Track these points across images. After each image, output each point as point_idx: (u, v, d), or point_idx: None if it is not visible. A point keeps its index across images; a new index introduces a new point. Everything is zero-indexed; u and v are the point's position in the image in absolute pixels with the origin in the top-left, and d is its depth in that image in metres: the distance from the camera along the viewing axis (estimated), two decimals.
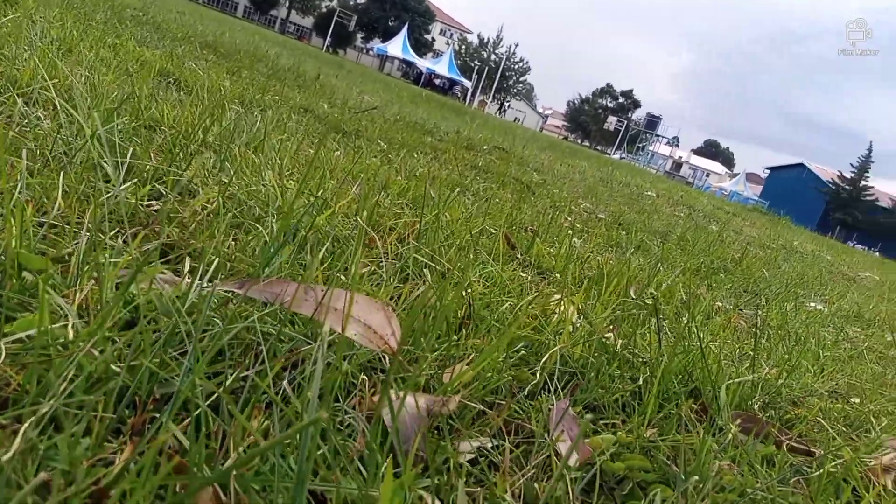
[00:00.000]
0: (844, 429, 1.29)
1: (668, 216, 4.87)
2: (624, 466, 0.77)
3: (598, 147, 69.11)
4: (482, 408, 0.82)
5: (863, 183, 56.75)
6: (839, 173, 58.65)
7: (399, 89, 12.38)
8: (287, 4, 65.87)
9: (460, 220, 2.04)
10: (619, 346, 1.09)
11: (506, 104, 49.68)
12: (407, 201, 2.18)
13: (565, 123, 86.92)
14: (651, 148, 59.01)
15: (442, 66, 51.45)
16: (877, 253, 38.21)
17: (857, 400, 1.53)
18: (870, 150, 57.82)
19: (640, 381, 0.98)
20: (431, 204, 2.07)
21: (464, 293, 1.12)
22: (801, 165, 65.33)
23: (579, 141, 75.53)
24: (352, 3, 71.11)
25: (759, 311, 2.33)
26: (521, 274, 1.71)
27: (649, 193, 6.15)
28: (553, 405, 0.86)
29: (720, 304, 2.27)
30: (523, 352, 1.04)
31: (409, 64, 56.37)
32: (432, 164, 3.58)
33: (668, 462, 0.81)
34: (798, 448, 1.02)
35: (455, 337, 0.99)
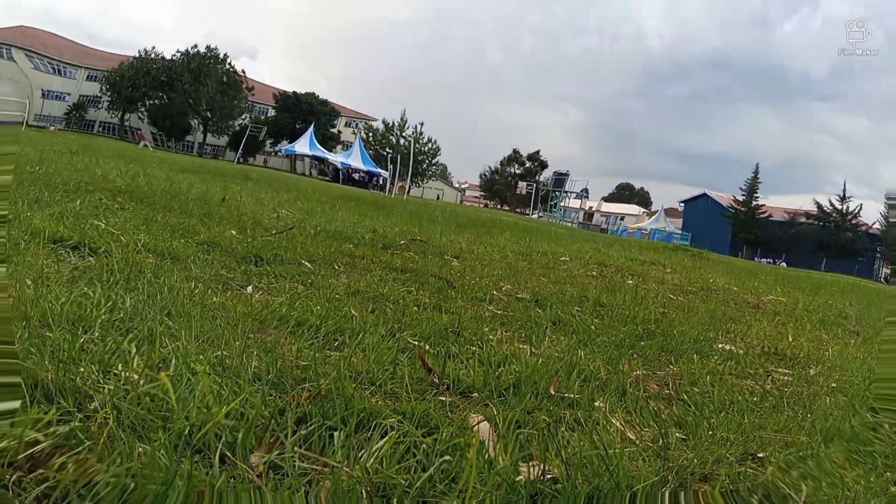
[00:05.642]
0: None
1: (581, 278, 5.06)
2: None
3: (518, 210, 71.61)
4: None
5: (754, 203, 60.87)
6: (734, 197, 62.74)
7: (317, 194, 12.49)
8: (201, 129, 67.08)
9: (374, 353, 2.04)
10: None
11: (409, 187, 52.27)
12: (326, 334, 2.20)
13: (482, 193, 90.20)
14: (563, 203, 61.72)
15: (356, 159, 52.28)
16: (783, 264, 39.94)
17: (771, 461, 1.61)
18: (756, 172, 62.26)
19: None
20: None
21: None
22: (704, 195, 69.30)
23: (498, 207, 78.29)
24: (262, 116, 73.01)
25: (668, 370, 2.42)
26: (441, 398, 1.74)
27: (564, 259, 6.37)
28: None
29: (637, 373, 2.34)
30: None
31: (321, 160, 56.81)
32: (350, 276, 3.61)
33: None
34: None
35: None
